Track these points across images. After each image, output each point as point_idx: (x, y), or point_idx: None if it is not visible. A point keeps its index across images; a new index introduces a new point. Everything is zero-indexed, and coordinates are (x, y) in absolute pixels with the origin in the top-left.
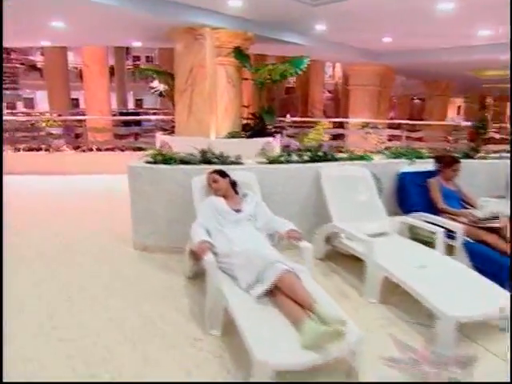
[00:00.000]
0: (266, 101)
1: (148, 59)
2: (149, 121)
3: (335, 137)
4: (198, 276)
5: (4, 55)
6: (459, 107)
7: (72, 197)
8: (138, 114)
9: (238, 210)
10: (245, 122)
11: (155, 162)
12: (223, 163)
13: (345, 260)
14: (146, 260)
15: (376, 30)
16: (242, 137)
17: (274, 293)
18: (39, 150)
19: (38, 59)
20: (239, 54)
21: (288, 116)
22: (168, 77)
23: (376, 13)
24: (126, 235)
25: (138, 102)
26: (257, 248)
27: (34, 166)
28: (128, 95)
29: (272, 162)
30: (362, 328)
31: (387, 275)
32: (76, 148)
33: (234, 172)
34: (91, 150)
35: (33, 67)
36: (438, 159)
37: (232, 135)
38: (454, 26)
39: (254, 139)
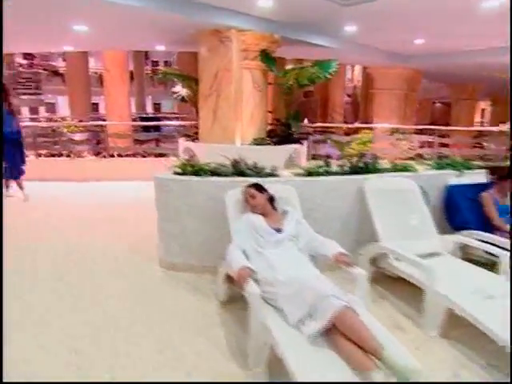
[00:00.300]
0: (285, 105)
1: (166, 64)
2: (167, 125)
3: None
4: (232, 300)
5: (27, 61)
6: (483, 110)
7: (93, 205)
8: (158, 118)
9: (278, 230)
10: (270, 127)
11: (184, 173)
12: (258, 175)
13: (393, 283)
14: (174, 280)
15: (408, 30)
16: (268, 144)
17: (330, 331)
18: (60, 155)
19: (60, 65)
20: (266, 57)
21: (306, 121)
22: (192, 81)
23: (411, 12)
24: (151, 251)
25: (156, 107)
26: (306, 277)
27: (55, 172)
28: (146, 99)
29: (310, 173)
30: (427, 369)
31: (450, 306)
32: (97, 154)
33: (270, 185)
34: (112, 156)
35: (55, 73)
36: (493, 170)
37: (258, 142)
38: (495, 25)
39: (281, 146)
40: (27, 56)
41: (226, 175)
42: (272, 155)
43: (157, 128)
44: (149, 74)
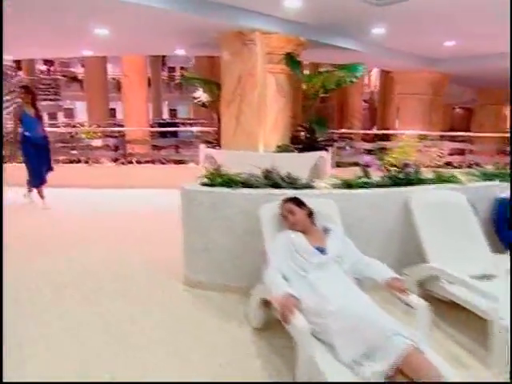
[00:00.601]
0: (306, 111)
1: (183, 70)
2: (187, 131)
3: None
4: (268, 326)
5: (47, 67)
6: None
7: (113, 214)
8: (175, 124)
9: (321, 249)
10: (293, 134)
11: (213, 185)
12: (292, 187)
13: (444, 308)
14: (200, 300)
15: (440, 32)
16: (293, 151)
17: (392, 373)
18: (78, 162)
19: (79, 71)
20: (291, 60)
21: None
22: (214, 86)
23: (445, 12)
24: (176, 267)
25: (172, 112)
26: (362, 310)
27: (73, 178)
28: (162, 105)
29: (350, 185)
30: None
31: None
32: (115, 160)
33: (307, 198)
34: (130, 162)
35: (74, 79)
36: None
37: (282, 149)
38: None
39: (307, 154)
40: (47, 62)
41: (257, 187)
42: (297, 163)
43: (174, 134)
44: (165, 79)
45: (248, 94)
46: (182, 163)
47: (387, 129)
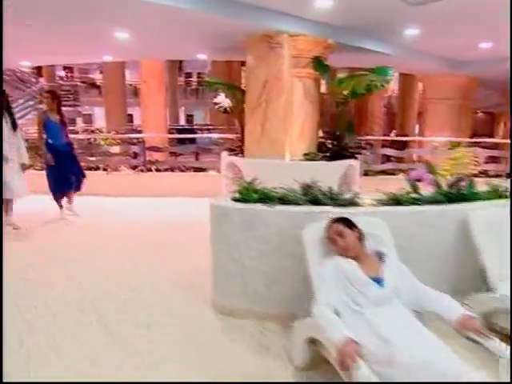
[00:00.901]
0: (334, 117)
1: (199, 76)
2: (207, 137)
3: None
4: (313, 365)
5: (66, 73)
6: None
7: (133, 225)
8: (193, 130)
9: (378, 280)
10: (320, 141)
11: (246, 200)
12: (335, 203)
13: None
14: (232, 330)
15: (477, 33)
16: (321, 159)
17: None
18: (97, 169)
19: (97, 77)
20: (319, 64)
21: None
22: (238, 91)
23: (486, 11)
24: (203, 290)
25: (189, 118)
26: (440, 362)
27: (91, 186)
28: (179, 111)
29: (399, 201)
30: None
31: None
32: (134, 168)
33: (352, 217)
34: (150, 170)
35: (92, 85)
36: None
37: (311, 157)
38: None
39: (336, 162)
40: (67, 69)
41: (296, 203)
42: (325, 172)
43: (192, 140)
44: (182, 85)
45: (274, 99)
46: (203, 171)
47: (406, 134)
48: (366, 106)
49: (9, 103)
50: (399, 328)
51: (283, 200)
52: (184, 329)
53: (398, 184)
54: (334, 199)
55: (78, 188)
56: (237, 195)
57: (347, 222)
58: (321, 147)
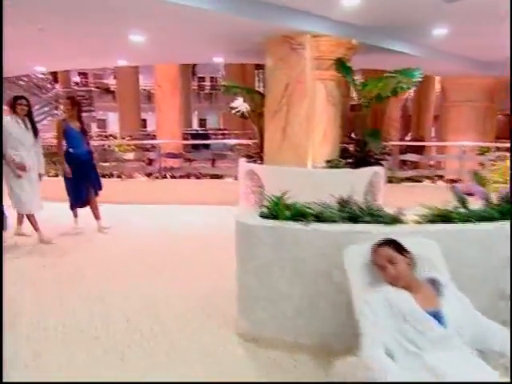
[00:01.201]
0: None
1: (212, 80)
2: (225, 143)
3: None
4: None
5: (81, 79)
6: None
7: (148, 236)
8: (207, 135)
9: (437, 316)
10: (341, 146)
11: (276, 217)
12: (376, 220)
13: None
14: (261, 360)
15: (507, 30)
16: (344, 166)
17: None
18: (111, 176)
19: (111, 82)
20: (342, 66)
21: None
22: (256, 95)
23: None
24: (226, 312)
25: (202, 122)
26: None
27: (106, 193)
28: (192, 115)
29: (446, 218)
30: None
31: None
32: (149, 175)
33: (397, 237)
34: (165, 177)
35: (106, 90)
36: None
37: (335, 164)
38: None
39: (361, 169)
40: (81, 75)
41: (333, 220)
42: (350, 180)
43: (206, 145)
44: (195, 89)
45: (296, 103)
46: (219, 178)
47: (422, 137)
48: (382, 109)
49: (30, 109)
50: (466, 375)
51: (318, 217)
52: (206, 358)
53: (425, 192)
54: (373, 215)
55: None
56: (264, 210)
57: (397, 246)
58: (343, 153)
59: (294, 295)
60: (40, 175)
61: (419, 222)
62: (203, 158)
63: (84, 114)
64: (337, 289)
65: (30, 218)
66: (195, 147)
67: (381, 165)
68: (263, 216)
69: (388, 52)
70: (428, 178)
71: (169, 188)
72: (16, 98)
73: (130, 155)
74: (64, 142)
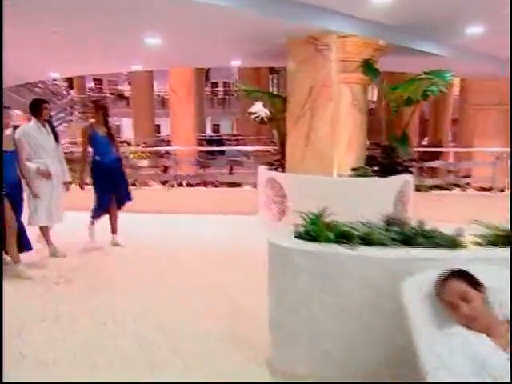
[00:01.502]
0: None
1: (225, 85)
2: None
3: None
4: None
5: (95, 85)
6: None
7: (165, 250)
8: (221, 141)
9: None
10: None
11: (315, 238)
12: (430, 243)
13: None
14: None
15: None
16: (372, 174)
17: None
18: None
19: (126, 88)
20: (369, 68)
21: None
22: (277, 100)
23: None
24: (256, 342)
25: (215, 128)
26: None
27: None
28: (206, 120)
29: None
30: None
31: None
32: (164, 183)
33: (459, 265)
34: (180, 185)
35: (121, 96)
36: None
37: (362, 172)
38: None
39: (389, 178)
40: (96, 81)
41: (382, 243)
42: (378, 190)
43: (220, 152)
44: (208, 95)
45: (320, 107)
46: (237, 186)
47: (440, 141)
48: (400, 113)
49: (50, 114)
50: None
51: (364, 239)
52: None
53: (457, 201)
54: (428, 237)
55: (118, 207)
56: (300, 229)
57: (470, 279)
58: (369, 161)
59: (338, 331)
60: (66, 183)
61: (480, 244)
62: (220, 165)
63: None
64: (390, 323)
65: (43, 229)
66: (210, 153)
67: (410, 172)
68: (299, 236)
69: (413, 53)
70: (456, 185)
71: (185, 197)
72: (41, 101)
73: (145, 162)
74: (91, 150)
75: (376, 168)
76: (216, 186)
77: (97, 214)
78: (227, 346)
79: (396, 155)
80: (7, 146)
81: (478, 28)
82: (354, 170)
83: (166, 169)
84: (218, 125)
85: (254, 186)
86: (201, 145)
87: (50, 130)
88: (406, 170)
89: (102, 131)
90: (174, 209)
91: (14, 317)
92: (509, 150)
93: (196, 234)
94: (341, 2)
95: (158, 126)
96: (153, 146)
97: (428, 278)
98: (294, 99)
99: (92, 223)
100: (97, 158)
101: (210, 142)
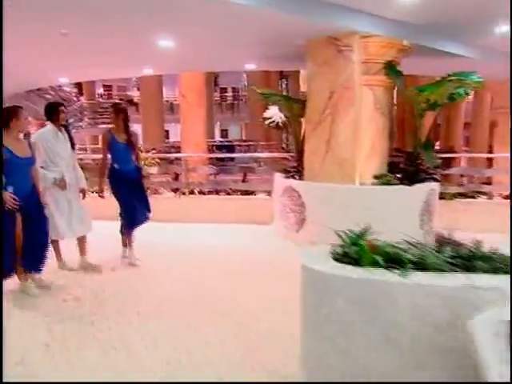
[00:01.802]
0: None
1: (234, 90)
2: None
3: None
4: None
5: (104, 91)
6: None
7: (180, 264)
8: (232, 146)
9: None
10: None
11: (356, 261)
12: (494, 268)
13: None
14: None
15: None
16: (396, 183)
17: None
18: None
19: (135, 94)
20: (392, 70)
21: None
22: (295, 104)
23: None
24: (285, 371)
25: (224, 133)
26: None
27: None
28: (215, 126)
29: None
30: None
31: None
32: (175, 190)
33: None
34: (192, 192)
35: (130, 102)
36: None
37: (386, 181)
38: None
39: (416, 186)
40: (105, 87)
41: (439, 268)
42: (403, 199)
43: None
44: (217, 100)
45: (341, 112)
46: (250, 194)
47: (452, 147)
48: (410, 117)
49: (66, 119)
50: None
51: (417, 264)
52: None
53: (484, 210)
54: (486, 259)
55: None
56: (338, 250)
57: None
58: (391, 167)
59: (386, 370)
60: (82, 191)
61: None
62: (232, 171)
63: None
64: (446, 364)
65: (54, 243)
66: (220, 160)
67: (436, 180)
68: (338, 259)
69: (435, 54)
70: (480, 193)
71: (198, 205)
72: (58, 105)
73: (154, 169)
74: (110, 157)
75: (398, 176)
76: (229, 194)
77: (128, 226)
78: (251, 371)
79: (420, 162)
80: (21, 152)
81: (509, 26)
82: (376, 177)
83: (177, 176)
84: (226, 130)
85: (269, 193)
86: (210, 150)
87: (66, 135)
88: (431, 177)
89: (121, 138)
90: (186, 217)
91: (18, 339)
92: None
93: (212, 246)
94: (366, 0)
95: (167, 131)
96: (162, 152)
97: (502, 314)
98: (314, 103)
99: (125, 245)
100: (115, 166)
101: (220, 148)
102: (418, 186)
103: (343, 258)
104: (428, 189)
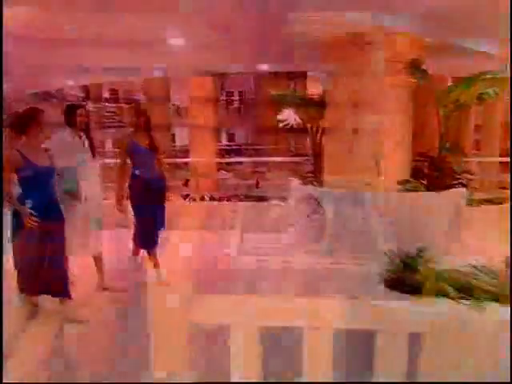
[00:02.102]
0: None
1: (241, 94)
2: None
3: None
4: None
5: (110, 94)
6: None
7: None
8: (240, 150)
9: None
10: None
11: (415, 288)
12: None
13: None
14: None
15: None
16: (423, 189)
17: None
18: None
19: (142, 98)
20: (417, 69)
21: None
22: (311, 106)
23: None
24: None
25: (230, 136)
26: None
27: None
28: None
29: None
30: None
31: None
32: (185, 197)
33: None
34: (202, 198)
35: (137, 105)
36: None
37: (412, 187)
38: None
39: (445, 193)
40: (111, 90)
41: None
42: (431, 207)
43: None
44: (224, 103)
45: (364, 114)
46: (263, 200)
47: (455, 149)
48: (419, 118)
49: (89, 122)
50: None
51: (489, 293)
52: None
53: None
54: None
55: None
56: (389, 274)
57: None
58: (416, 173)
59: None
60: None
61: None
62: (243, 176)
63: (114, 131)
64: None
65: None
66: (227, 164)
67: (464, 186)
68: (390, 286)
69: (465, 52)
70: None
71: (209, 212)
72: (75, 107)
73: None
74: (131, 164)
75: (422, 181)
76: (241, 200)
77: (142, 242)
78: None
79: (447, 167)
80: (41, 162)
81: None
82: (400, 183)
83: (186, 182)
84: (233, 133)
85: (282, 199)
86: (219, 155)
87: (86, 142)
88: (459, 183)
89: (143, 142)
90: (199, 225)
91: (18, 363)
92: None
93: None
94: None
95: (173, 135)
96: (169, 157)
97: None
98: (333, 106)
99: (135, 253)
100: (137, 172)
101: (229, 152)
102: (446, 192)
103: (396, 284)
104: (457, 195)
